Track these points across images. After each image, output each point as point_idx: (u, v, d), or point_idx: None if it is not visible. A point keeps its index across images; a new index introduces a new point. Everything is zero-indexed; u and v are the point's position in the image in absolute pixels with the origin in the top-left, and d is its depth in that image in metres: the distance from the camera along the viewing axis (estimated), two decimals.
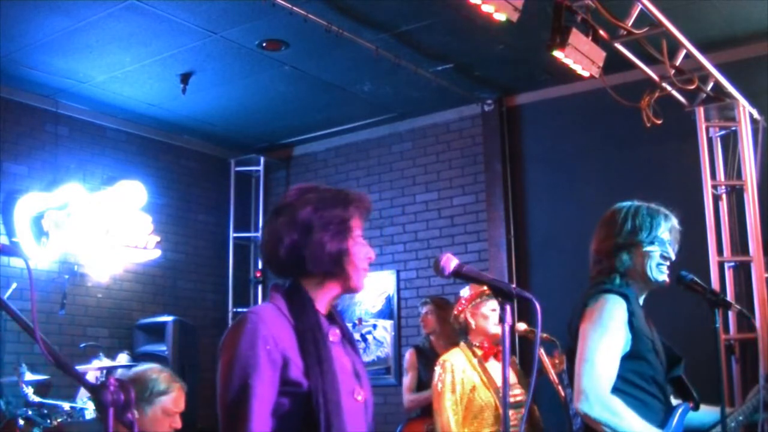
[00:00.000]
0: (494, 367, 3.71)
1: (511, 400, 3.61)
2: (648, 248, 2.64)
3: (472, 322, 3.78)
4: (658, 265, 2.65)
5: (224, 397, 1.90)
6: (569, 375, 2.74)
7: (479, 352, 3.74)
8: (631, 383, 2.51)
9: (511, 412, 3.61)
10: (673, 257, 2.70)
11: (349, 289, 2.10)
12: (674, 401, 2.70)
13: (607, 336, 2.48)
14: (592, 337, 2.49)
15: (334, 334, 2.07)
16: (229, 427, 1.88)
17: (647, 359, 2.54)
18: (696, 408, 2.70)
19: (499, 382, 3.63)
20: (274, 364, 1.90)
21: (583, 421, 2.53)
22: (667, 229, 2.69)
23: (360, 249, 2.09)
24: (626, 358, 2.51)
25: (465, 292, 3.87)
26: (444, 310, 5.31)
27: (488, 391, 3.66)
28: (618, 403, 2.43)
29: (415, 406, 5.36)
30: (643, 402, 2.52)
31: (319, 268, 2.02)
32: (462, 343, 3.82)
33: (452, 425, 3.61)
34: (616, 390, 2.48)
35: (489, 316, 3.73)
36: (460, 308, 3.84)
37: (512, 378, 3.73)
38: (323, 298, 2.07)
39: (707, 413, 2.78)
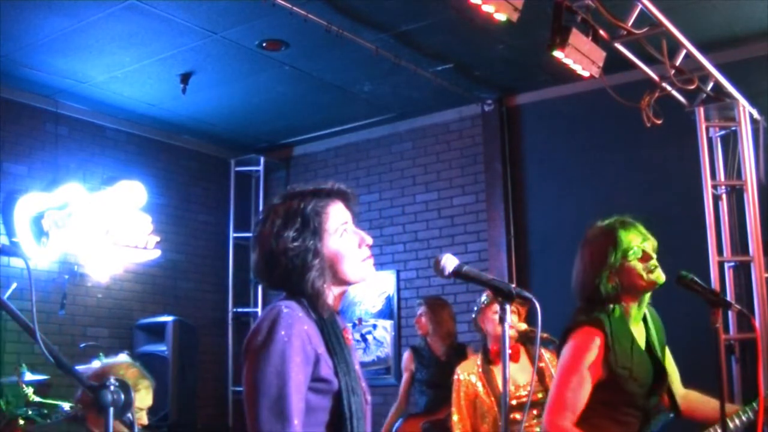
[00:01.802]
0: (512, 368, 3.77)
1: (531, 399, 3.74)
2: (624, 264, 2.64)
3: (484, 328, 3.91)
4: (645, 269, 2.64)
5: (258, 385, 1.86)
6: None
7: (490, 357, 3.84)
8: (608, 405, 2.59)
9: (534, 412, 3.67)
10: (654, 255, 2.69)
11: (355, 282, 2.07)
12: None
13: (577, 375, 2.55)
14: (563, 374, 2.58)
15: (347, 332, 2.07)
16: (268, 417, 1.83)
17: (624, 389, 2.59)
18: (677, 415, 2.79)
19: (512, 384, 3.75)
20: (308, 359, 1.89)
21: None
22: (630, 233, 2.68)
23: (347, 243, 2.03)
24: (602, 387, 2.57)
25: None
26: (437, 312, 5.30)
27: (489, 397, 3.69)
28: None
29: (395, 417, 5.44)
30: (618, 421, 2.61)
31: (317, 283, 1.98)
32: (480, 352, 3.94)
33: None
34: (593, 411, 2.55)
35: (496, 319, 3.77)
36: (474, 316, 3.99)
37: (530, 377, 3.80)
38: (334, 295, 2.05)
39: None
